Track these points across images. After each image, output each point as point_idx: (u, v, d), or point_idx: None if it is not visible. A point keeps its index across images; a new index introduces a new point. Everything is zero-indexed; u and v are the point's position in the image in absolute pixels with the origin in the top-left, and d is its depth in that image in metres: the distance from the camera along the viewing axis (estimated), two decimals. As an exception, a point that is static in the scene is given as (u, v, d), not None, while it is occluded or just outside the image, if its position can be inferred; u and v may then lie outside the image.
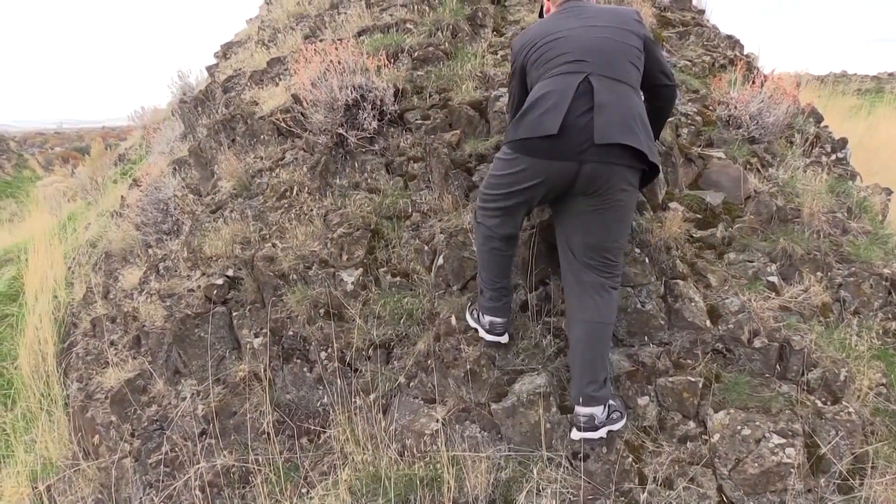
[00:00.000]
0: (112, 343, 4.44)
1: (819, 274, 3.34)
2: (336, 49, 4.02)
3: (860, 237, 3.72)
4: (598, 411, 2.73)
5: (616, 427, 2.76)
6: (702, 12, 5.21)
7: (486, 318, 2.98)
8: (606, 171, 2.56)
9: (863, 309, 3.35)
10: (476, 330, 3.04)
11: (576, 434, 2.77)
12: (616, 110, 2.55)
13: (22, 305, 6.31)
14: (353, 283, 3.48)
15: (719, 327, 3.00)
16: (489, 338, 3.00)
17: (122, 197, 6.47)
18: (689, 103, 3.98)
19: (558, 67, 2.67)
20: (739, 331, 2.96)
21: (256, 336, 3.60)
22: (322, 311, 3.45)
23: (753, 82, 4.03)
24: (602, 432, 2.74)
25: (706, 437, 2.73)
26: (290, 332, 3.51)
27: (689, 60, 4.39)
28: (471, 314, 3.10)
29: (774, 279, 3.25)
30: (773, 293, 3.18)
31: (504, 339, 3.02)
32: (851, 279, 3.39)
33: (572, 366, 2.79)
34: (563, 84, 2.61)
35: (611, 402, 2.78)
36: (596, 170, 2.55)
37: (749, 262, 3.31)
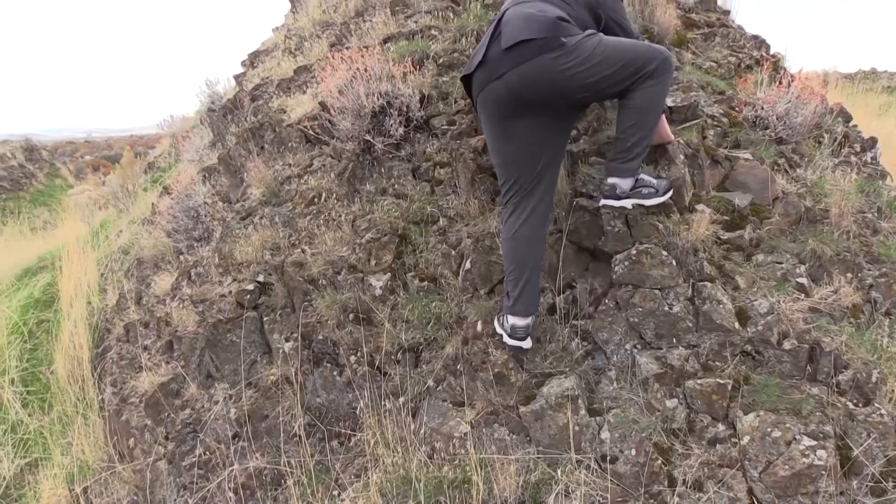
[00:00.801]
0: (145, 348, 4.53)
1: (849, 275, 3.32)
2: (362, 56, 4.08)
3: (891, 237, 3.68)
4: (623, 182, 2.87)
5: (648, 202, 2.89)
6: (727, 13, 5.19)
7: (512, 322, 2.96)
8: (528, 70, 2.68)
9: (894, 310, 3.31)
10: (501, 334, 3.05)
11: (600, 202, 2.98)
12: (518, 18, 2.75)
13: (57, 311, 6.46)
14: (381, 287, 3.52)
15: (748, 329, 2.99)
16: (512, 343, 2.96)
17: (152, 204, 6.58)
18: (716, 105, 3.97)
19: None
20: (769, 332, 2.95)
21: (287, 340, 3.66)
22: (351, 315, 3.50)
23: (780, 83, 4.01)
24: (626, 203, 2.89)
25: (736, 440, 2.72)
26: (320, 337, 3.56)
27: (715, 62, 4.38)
28: (497, 319, 3.12)
29: (804, 280, 3.22)
30: (803, 294, 3.16)
31: (525, 346, 2.98)
32: (882, 280, 3.35)
33: (613, 142, 2.94)
34: (489, 28, 2.89)
35: (642, 176, 2.89)
36: (519, 73, 2.69)
37: (777, 263, 3.29)
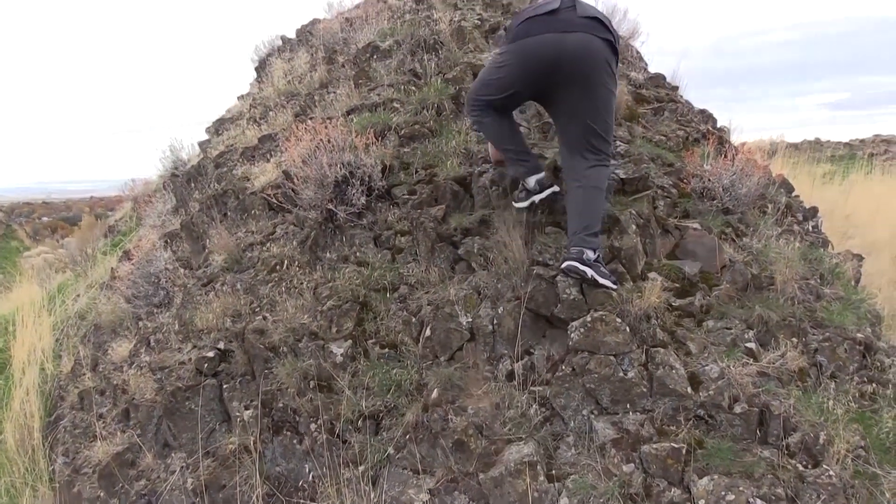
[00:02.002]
0: (100, 416, 4.44)
1: (795, 339, 3.44)
2: (326, 127, 4.20)
3: (833, 303, 3.84)
4: (589, 251, 3.21)
5: (606, 283, 3.22)
6: (675, 88, 5.47)
7: (532, 179, 3.52)
8: (592, 43, 3.20)
9: (839, 373, 3.43)
10: (531, 203, 3.58)
11: (564, 264, 3.22)
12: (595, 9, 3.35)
13: (8, 378, 6.27)
14: (342, 354, 3.55)
15: (700, 394, 3.07)
16: (546, 193, 3.52)
17: (112, 269, 6.52)
18: (665, 176, 4.15)
19: None
20: (720, 397, 3.03)
21: (247, 408, 3.64)
22: (312, 382, 3.51)
23: (725, 155, 4.22)
24: (590, 273, 3.18)
25: (691, 504, 2.77)
26: (280, 405, 3.55)
27: (664, 135, 4.59)
28: (517, 199, 3.64)
29: (752, 345, 3.34)
30: (752, 359, 3.26)
31: (556, 188, 3.54)
32: (826, 344, 3.48)
33: (570, 220, 3.33)
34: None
35: (601, 264, 3.26)
36: (583, 40, 3.19)
37: (727, 329, 3.41)
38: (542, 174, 3.54)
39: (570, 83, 3.25)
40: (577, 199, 3.31)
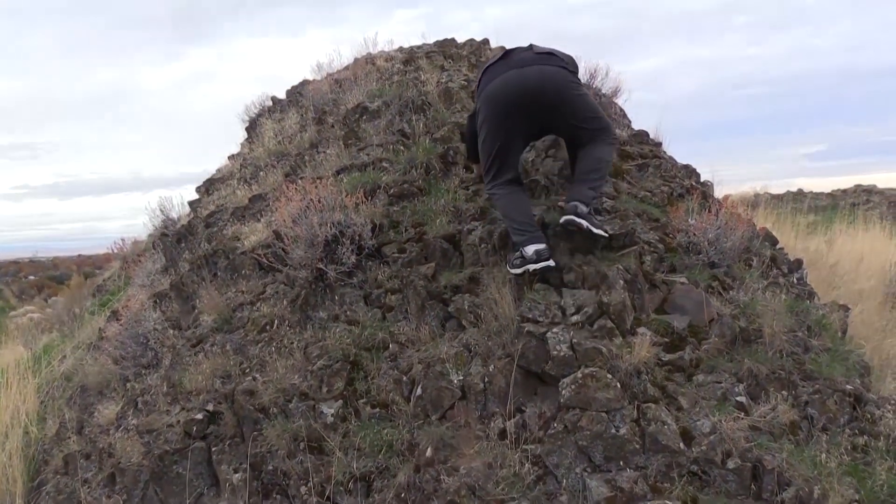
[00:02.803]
0: (85, 481, 4.35)
1: (785, 392, 3.45)
2: (316, 187, 4.25)
3: (822, 355, 3.86)
4: (582, 205, 3.59)
5: (599, 232, 3.61)
6: (659, 145, 5.58)
7: (531, 248, 3.56)
8: (545, 70, 3.70)
9: (830, 425, 3.43)
10: (525, 272, 3.60)
11: (562, 219, 3.59)
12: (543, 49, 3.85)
13: (-9, 442, 6.15)
14: (332, 415, 3.52)
15: (693, 449, 3.07)
16: (540, 265, 3.53)
17: (100, 329, 6.47)
18: (651, 231, 4.21)
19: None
20: (713, 452, 3.03)
21: (236, 472, 3.59)
22: (302, 444, 3.47)
23: (709, 210, 4.29)
24: (585, 224, 3.55)
25: (687, 564, 2.74)
26: (270, 467, 3.50)
27: (649, 191, 4.67)
28: (512, 265, 3.67)
29: (743, 399, 3.34)
30: (743, 413, 3.27)
31: (552, 263, 3.57)
32: (816, 396, 3.49)
33: (575, 174, 3.81)
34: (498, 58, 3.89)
35: (596, 216, 3.72)
36: (537, 71, 3.68)
37: (717, 383, 3.42)
38: (543, 246, 3.60)
39: (544, 108, 3.72)
40: (581, 165, 3.80)
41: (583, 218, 3.56)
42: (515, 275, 3.67)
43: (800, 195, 14.79)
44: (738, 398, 3.33)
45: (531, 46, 3.88)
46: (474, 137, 4.05)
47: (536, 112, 3.72)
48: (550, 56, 3.80)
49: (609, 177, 4.66)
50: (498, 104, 3.73)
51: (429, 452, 3.21)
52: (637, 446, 3.07)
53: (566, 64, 3.82)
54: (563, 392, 3.20)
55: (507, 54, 3.86)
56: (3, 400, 6.27)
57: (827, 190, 16.78)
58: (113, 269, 10.60)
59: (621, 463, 3.06)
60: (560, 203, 3.89)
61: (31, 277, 31.56)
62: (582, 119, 3.79)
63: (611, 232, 4.00)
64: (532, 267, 3.55)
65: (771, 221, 7.83)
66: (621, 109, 6.22)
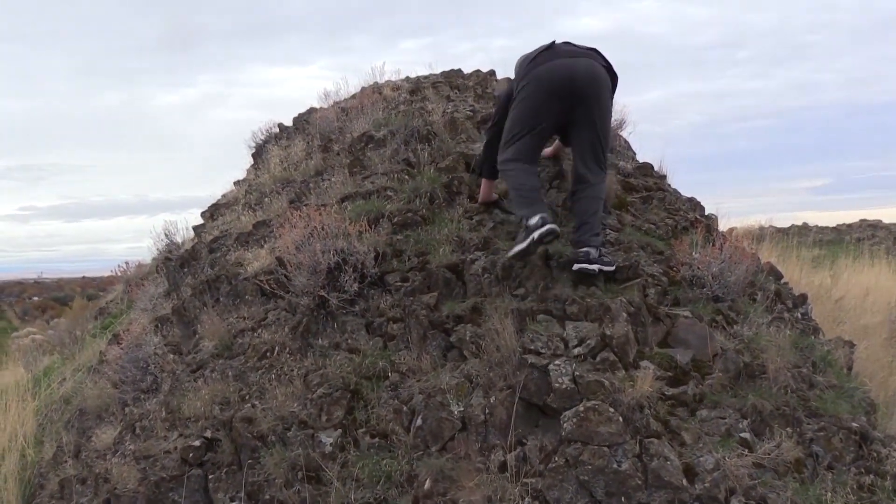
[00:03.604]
0: (80, 508, 4.30)
1: (790, 429, 3.40)
2: (320, 214, 4.26)
3: (827, 391, 3.82)
4: (593, 250, 3.78)
5: (608, 269, 3.81)
6: (663, 177, 5.59)
7: (536, 217, 3.72)
8: (594, 67, 3.89)
9: (836, 463, 3.38)
10: (530, 242, 3.70)
11: (575, 266, 3.77)
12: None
13: (-13, 465, 6.11)
14: (331, 444, 3.49)
15: (696, 486, 3.02)
16: (546, 228, 3.67)
17: (100, 352, 6.45)
18: (655, 264, 4.20)
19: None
20: (716, 489, 2.98)
21: (232, 500, 3.55)
22: (300, 473, 3.43)
23: (714, 244, 4.28)
24: (596, 268, 3.76)
25: None
26: (267, 496, 3.46)
27: (653, 224, 4.67)
28: (516, 242, 3.85)
29: (747, 435, 3.30)
30: (747, 450, 3.22)
31: (556, 227, 3.73)
32: (822, 434, 3.44)
33: (577, 223, 3.95)
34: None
35: (603, 249, 3.87)
36: (587, 64, 3.87)
37: (721, 418, 3.38)
38: (546, 213, 3.79)
39: (584, 100, 3.86)
40: (584, 206, 3.96)
41: (594, 263, 3.77)
42: (518, 251, 3.79)
43: (805, 229, 14.79)
44: (742, 434, 3.29)
45: (568, 42, 4.07)
46: (493, 148, 4.23)
47: (575, 101, 3.88)
48: (598, 54, 4.03)
49: (613, 209, 4.68)
50: (542, 84, 3.89)
51: (428, 484, 3.17)
52: (639, 482, 3.03)
53: (612, 70, 4.04)
54: (565, 425, 3.17)
55: (551, 46, 4.01)
56: (1, 422, 6.23)
57: (832, 224, 16.79)
58: (116, 292, 10.60)
59: (623, 499, 3.01)
60: (573, 252, 3.98)
61: (35, 298, 31.61)
62: (603, 130, 4.00)
63: (616, 264, 4.00)
64: (536, 233, 3.67)
65: (776, 255, 7.80)
66: (626, 141, 6.25)
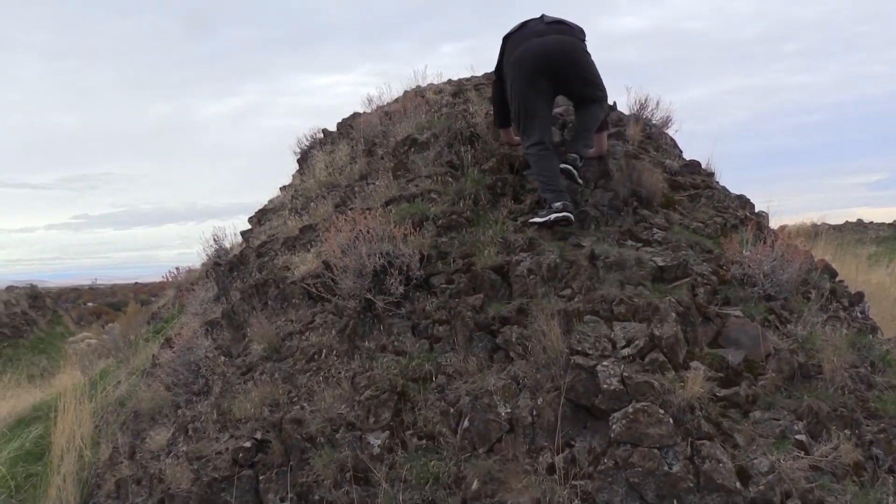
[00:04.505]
0: (136, 506, 4.41)
1: (847, 431, 3.32)
2: (365, 218, 4.29)
3: (886, 392, 3.71)
4: (577, 158, 4.52)
5: (580, 181, 4.61)
6: (711, 174, 5.50)
7: (558, 203, 4.25)
8: (561, 39, 4.46)
9: (897, 467, 3.29)
10: (547, 220, 4.27)
11: (562, 165, 4.46)
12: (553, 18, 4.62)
13: (47, 464, 6.30)
14: (379, 446, 3.51)
15: (750, 489, 2.97)
16: (563, 214, 4.22)
17: (153, 356, 6.61)
18: (704, 263, 4.13)
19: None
20: (771, 492, 2.92)
21: (283, 500, 3.59)
22: (348, 474, 3.46)
23: (765, 241, 4.18)
24: (576, 174, 4.52)
25: None
26: (317, 497, 3.50)
27: (702, 222, 4.60)
28: (537, 215, 4.38)
29: (803, 438, 3.22)
30: (803, 452, 3.15)
31: (571, 215, 4.26)
32: (882, 436, 3.35)
33: (576, 132, 4.70)
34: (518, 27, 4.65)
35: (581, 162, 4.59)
36: (554, 39, 4.44)
37: (775, 420, 3.31)
38: (568, 201, 4.32)
39: (563, 67, 4.46)
40: (586, 120, 4.65)
41: (576, 168, 4.50)
42: (539, 223, 4.33)
43: (860, 226, 14.36)
44: (797, 436, 3.22)
45: (542, 16, 4.61)
46: (501, 102, 4.86)
47: (555, 73, 4.45)
48: (563, 25, 4.56)
49: (660, 208, 4.63)
50: (524, 68, 4.44)
51: (476, 486, 3.16)
52: (691, 484, 2.98)
53: (577, 33, 4.58)
54: (614, 427, 3.13)
55: (523, 26, 4.59)
56: (59, 424, 6.43)
57: (889, 220, 16.24)
58: (167, 297, 10.86)
59: (674, 501, 2.97)
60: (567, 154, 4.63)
61: (90, 304, 32.48)
62: (592, 77, 4.62)
63: (662, 264, 3.95)
64: (553, 216, 4.24)
65: (830, 253, 7.60)
66: (672, 140, 6.15)
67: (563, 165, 4.46)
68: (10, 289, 27.14)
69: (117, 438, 5.64)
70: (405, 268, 4.14)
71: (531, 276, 3.98)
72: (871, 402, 3.55)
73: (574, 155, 4.52)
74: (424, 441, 3.50)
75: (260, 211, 7.34)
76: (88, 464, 5.86)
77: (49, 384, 10.28)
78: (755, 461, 3.06)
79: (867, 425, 3.41)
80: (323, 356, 4.13)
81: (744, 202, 5.35)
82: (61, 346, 19.93)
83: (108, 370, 8.88)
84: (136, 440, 5.30)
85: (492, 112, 5.31)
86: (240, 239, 7.44)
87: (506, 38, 4.68)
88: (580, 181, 4.60)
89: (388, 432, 3.56)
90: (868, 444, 3.33)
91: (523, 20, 4.68)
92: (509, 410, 3.40)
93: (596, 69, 4.68)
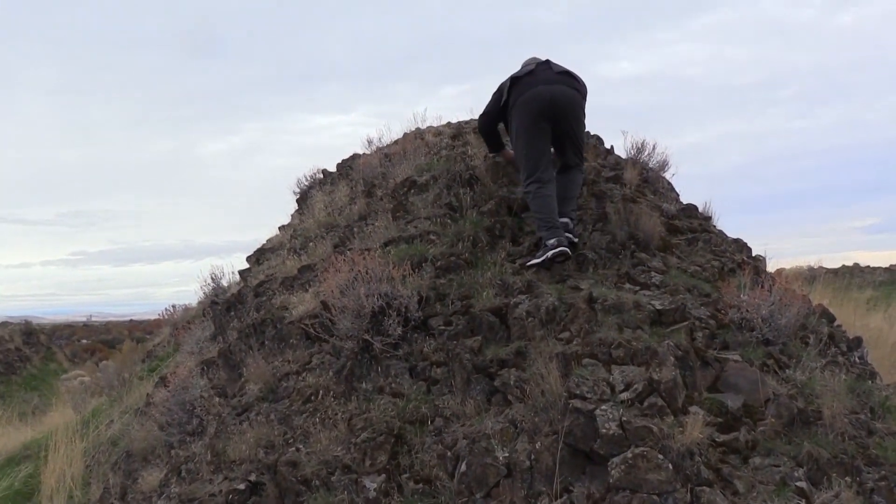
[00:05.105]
0: (126, 550, 4.33)
1: (848, 478, 3.28)
2: (364, 258, 4.31)
3: (887, 438, 3.68)
4: (570, 221, 4.77)
5: (574, 239, 4.70)
6: (708, 218, 5.54)
7: (553, 240, 4.36)
8: (567, 91, 4.77)
9: (899, 515, 3.25)
10: (545, 259, 4.37)
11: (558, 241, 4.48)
12: (560, 67, 4.88)
13: (36, 505, 6.19)
14: (375, 489, 3.46)
15: (751, 538, 2.93)
16: (559, 249, 4.32)
17: (147, 395, 6.56)
18: (702, 307, 4.14)
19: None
20: (773, 542, 2.88)
21: (276, 545, 3.53)
22: (344, 519, 3.41)
23: (762, 286, 4.20)
24: (573, 238, 4.68)
25: None
26: (311, 542, 3.44)
27: (700, 266, 4.62)
28: (534, 256, 4.49)
29: (803, 484, 3.19)
30: (804, 500, 3.11)
31: (567, 249, 4.37)
32: (883, 483, 3.31)
33: (561, 198, 4.73)
34: (525, 71, 4.90)
35: (573, 227, 4.82)
36: (561, 90, 4.73)
37: (775, 466, 3.28)
38: (562, 237, 4.43)
39: (564, 117, 4.75)
40: (569, 185, 4.91)
41: (570, 232, 4.70)
42: (537, 263, 4.43)
43: (856, 269, 14.41)
44: (798, 483, 3.18)
45: (549, 63, 4.88)
46: (491, 135, 5.36)
47: (557, 121, 4.75)
48: (572, 78, 4.85)
49: (657, 251, 4.65)
50: (532, 111, 4.71)
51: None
52: (691, 532, 2.94)
53: (582, 90, 4.91)
54: (613, 472, 3.10)
55: (532, 72, 4.82)
56: (50, 463, 6.34)
57: (885, 264, 16.30)
58: (163, 335, 10.81)
59: (674, 550, 2.93)
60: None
61: (85, 341, 32.25)
62: (580, 138, 5.00)
63: (660, 307, 3.95)
64: (551, 253, 4.34)
65: (827, 297, 7.61)
66: (669, 183, 6.22)
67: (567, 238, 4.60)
68: (4, 324, 27.01)
69: (108, 479, 5.56)
70: (403, 309, 4.15)
71: (529, 319, 3.98)
72: (872, 449, 3.52)
73: (566, 220, 4.71)
74: (421, 485, 3.45)
75: (258, 250, 7.36)
76: (78, 504, 5.76)
77: (40, 422, 10.17)
78: (756, 509, 3.02)
79: (868, 472, 3.38)
80: (319, 397, 4.10)
81: (741, 246, 5.38)
82: (54, 384, 19.76)
83: (100, 409, 8.79)
84: (127, 481, 5.23)
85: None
86: (237, 278, 7.45)
87: (514, 80, 4.89)
88: (576, 239, 4.74)
89: (384, 475, 3.51)
90: (869, 491, 3.29)
91: (530, 63, 4.92)
92: (507, 454, 3.36)
93: (584, 133, 5.08)
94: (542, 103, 4.68)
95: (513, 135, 4.94)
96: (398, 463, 3.58)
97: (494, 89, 5.20)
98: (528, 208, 4.93)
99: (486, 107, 5.28)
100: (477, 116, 7.13)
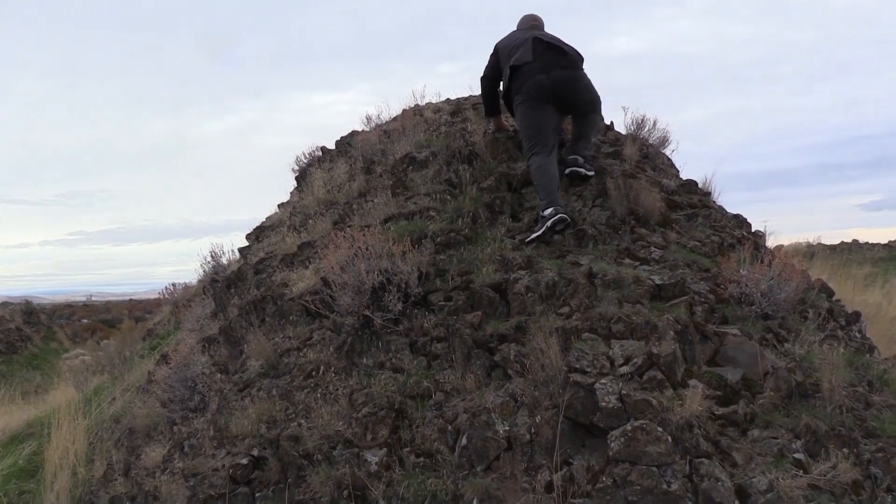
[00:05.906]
0: (130, 525, 4.37)
1: (846, 450, 3.31)
2: (363, 235, 4.31)
3: (884, 411, 3.71)
4: (581, 159, 5.05)
5: (590, 174, 5.07)
6: (708, 194, 5.53)
7: (550, 209, 4.46)
8: (564, 74, 4.88)
9: (895, 485, 3.28)
10: (545, 230, 4.45)
11: (567, 170, 5.07)
12: (552, 36, 5.12)
13: (40, 482, 6.24)
14: (376, 463, 3.49)
15: (749, 508, 2.95)
16: (557, 217, 4.42)
17: (149, 372, 6.58)
18: (702, 282, 4.14)
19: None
20: (770, 512, 2.91)
21: (279, 519, 3.56)
22: (346, 492, 3.44)
23: (762, 261, 4.21)
24: (583, 172, 5.02)
25: None
26: (313, 515, 3.47)
27: (699, 241, 4.62)
28: (532, 232, 4.53)
29: (801, 456, 3.22)
30: (801, 471, 3.14)
31: (566, 216, 4.49)
32: (880, 455, 3.34)
33: (575, 137, 5.15)
34: (516, 41, 5.13)
35: (586, 160, 5.14)
36: (560, 75, 4.86)
37: (773, 438, 3.30)
38: (560, 205, 4.54)
39: (570, 95, 4.92)
40: (584, 126, 5.12)
41: (581, 167, 5.02)
42: (536, 237, 4.49)
43: (855, 246, 14.42)
44: (796, 455, 3.21)
45: (540, 40, 4.99)
46: (490, 78, 5.41)
47: (563, 102, 4.93)
48: (565, 57, 4.95)
49: (657, 226, 4.64)
50: (537, 99, 4.85)
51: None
52: (689, 503, 2.97)
53: (578, 63, 5.02)
54: (612, 445, 3.12)
55: (530, 62, 4.90)
56: (53, 441, 6.38)
57: (883, 241, 16.31)
58: (163, 314, 10.83)
59: (673, 521, 2.96)
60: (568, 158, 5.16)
61: (85, 321, 32.33)
62: (590, 94, 5.07)
63: (660, 282, 3.96)
64: (550, 222, 4.43)
65: (826, 273, 7.63)
66: (669, 159, 6.20)
67: (571, 169, 5.03)
68: (4, 304, 27.04)
69: (112, 455, 5.59)
70: (403, 285, 4.15)
71: (529, 294, 3.99)
72: (869, 421, 3.54)
73: (575, 157, 5.03)
74: (422, 459, 3.48)
75: (258, 228, 7.35)
76: (82, 481, 5.80)
77: (43, 400, 10.21)
78: (754, 480, 3.05)
79: (865, 444, 3.41)
80: (321, 373, 4.12)
81: (741, 222, 5.38)
82: (55, 363, 19.84)
83: (102, 387, 8.83)
84: (130, 457, 5.26)
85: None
86: (237, 256, 7.44)
87: (514, 70, 4.99)
88: (591, 172, 5.05)
89: (385, 450, 3.54)
90: (866, 462, 3.32)
91: (525, 38, 5.06)
92: (507, 428, 3.39)
93: (591, 83, 5.09)
94: (543, 91, 4.85)
95: (517, 116, 5.08)
96: (399, 437, 3.60)
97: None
98: (528, 183, 4.99)
99: (485, 70, 5.48)
100: (476, 93, 7.11)
